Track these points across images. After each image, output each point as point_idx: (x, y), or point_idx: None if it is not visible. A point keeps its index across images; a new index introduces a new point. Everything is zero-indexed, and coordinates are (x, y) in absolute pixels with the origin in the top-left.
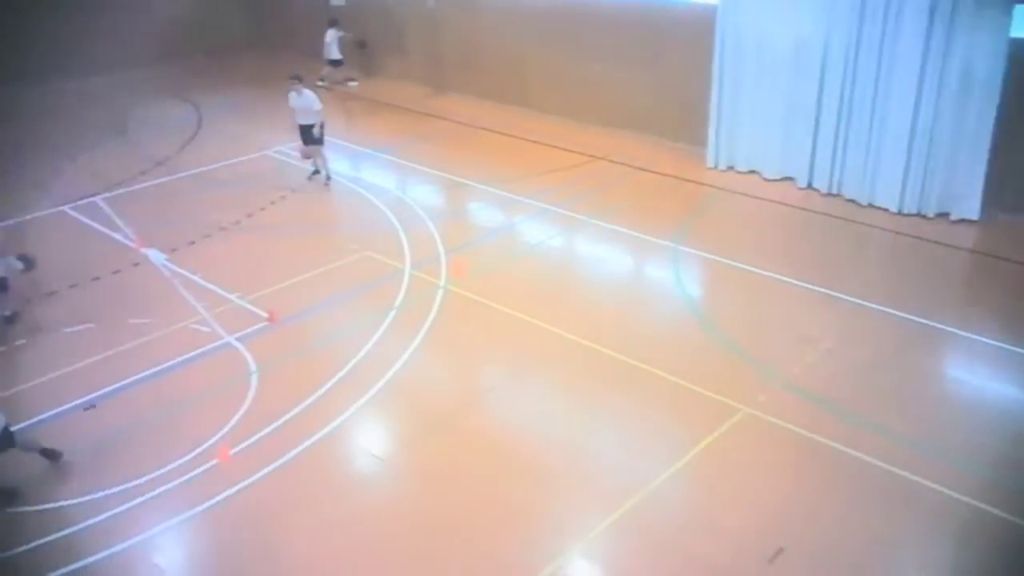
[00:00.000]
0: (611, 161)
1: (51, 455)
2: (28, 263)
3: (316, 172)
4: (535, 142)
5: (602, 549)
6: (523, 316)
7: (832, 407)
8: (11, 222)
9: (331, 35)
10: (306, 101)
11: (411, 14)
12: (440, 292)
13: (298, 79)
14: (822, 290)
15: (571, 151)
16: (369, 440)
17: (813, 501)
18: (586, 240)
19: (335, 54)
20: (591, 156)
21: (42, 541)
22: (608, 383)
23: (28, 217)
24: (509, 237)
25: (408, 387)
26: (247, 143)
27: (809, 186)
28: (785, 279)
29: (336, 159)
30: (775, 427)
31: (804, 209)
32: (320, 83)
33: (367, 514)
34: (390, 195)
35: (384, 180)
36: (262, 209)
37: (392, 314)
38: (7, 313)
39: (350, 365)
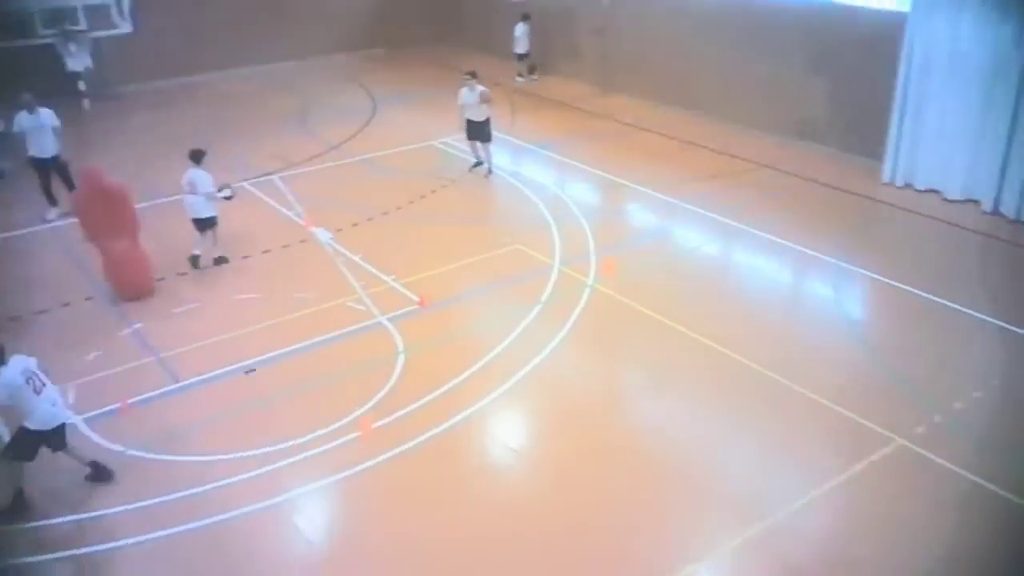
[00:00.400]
0: (777, 169)
1: (99, 472)
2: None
3: (478, 164)
4: (699, 146)
5: (731, 567)
6: (670, 322)
7: (993, 448)
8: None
9: (521, 29)
10: (479, 96)
11: (586, 12)
12: (587, 290)
13: (472, 75)
14: (998, 323)
15: (736, 157)
16: (504, 430)
17: (960, 544)
18: (743, 250)
19: (523, 47)
20: (756, 163)
21: (196, 490)
22: (753, 399)
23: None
24: (663, 241)
25: (547, 381)
26: (416, 133)
27: (995, 211)
28: (958, 308)
29: (498, 153)
30: (929, 462)
31: (988, 235)
32: (519, 78)
33: (493, 502)
34: (547, 191)
35: (543, 176)
36: (423, 197)
37: (537, 308)
38: (217, 255)
39: (492, 354)
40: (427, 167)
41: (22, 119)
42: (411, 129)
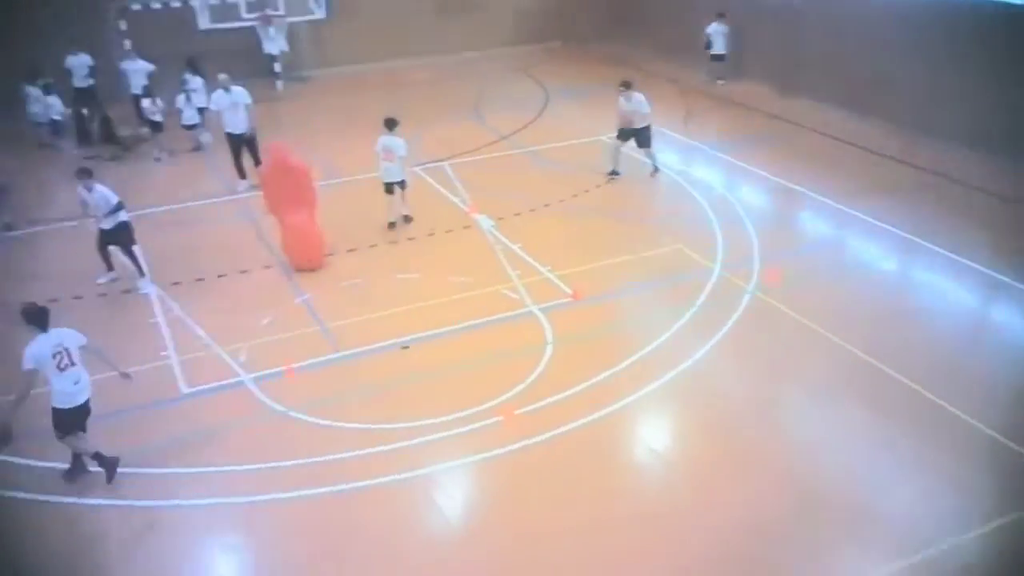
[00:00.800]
0: (966, 185)
1: (105, 464)
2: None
3: (614, 173)
4: (882, 155)
5: None
6: (833, 337)
7: None
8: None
9: (715, 28)
10: (635, 105)
11: (775, 12)
12: (747, 297)
13: (627, 85)
14: None
15: (921, 168)
16: (647, 430)
17: None
18: (923, 268)
19: (719, 48)
20: (944, 176)
21: (345, 455)
22: (918, 426)
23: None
24: (835, 252)
25: (696, 386)
26: (585, 128)
27: None
28: None
29: (667, 151)
30: None
31: None
32: (720, 81)
33: (628, 501)
34: (714, 193)
35: (711, 177)
36: (586, 191)
37: (693, 311)
38: (405, 213)
39: (642, 353)
40: (593, 162)
41: (219, 97)
42: (581, 124)
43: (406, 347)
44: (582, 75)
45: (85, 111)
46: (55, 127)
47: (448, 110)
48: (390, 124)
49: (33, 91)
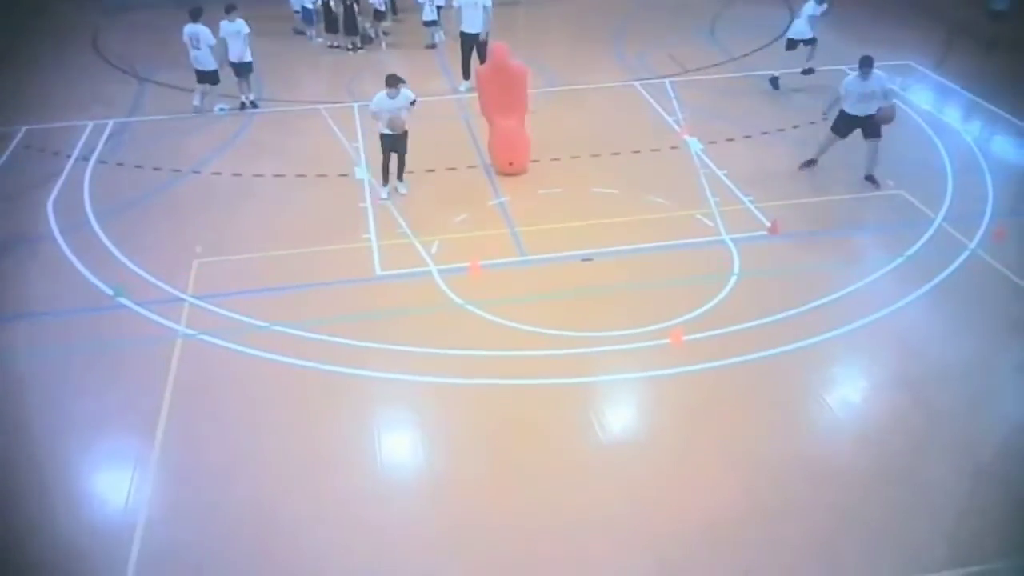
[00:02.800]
0: None
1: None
2: None
3: (811, 162)
4: None
5: None
6: None
7: None
8: (585, 87)
9: None
10: (874, 84)
11: None
12: (965, 254)
13: (868, 63)
14: None
15: None
16: (819, 378)
17: None
18: None
19: None
20: None
21: (511, 352)
22: None
23: (604, 85)
24: None
25: (886, 339)
26: (827, 55)
27: None
28: None
29: (916, 90)
30: None
31: None
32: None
33: (786, 447)
34: (958, 140)
35: (961, 123)
36: (812, 123)
37: (900, 260)
38: None
39: (833, 296)
40: (824, 92)
41: None
42: (822, 51)
43: (589, 260)
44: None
45: (348, 1)
46: (307, 15)
47: (681, 26)
48: None
49: None
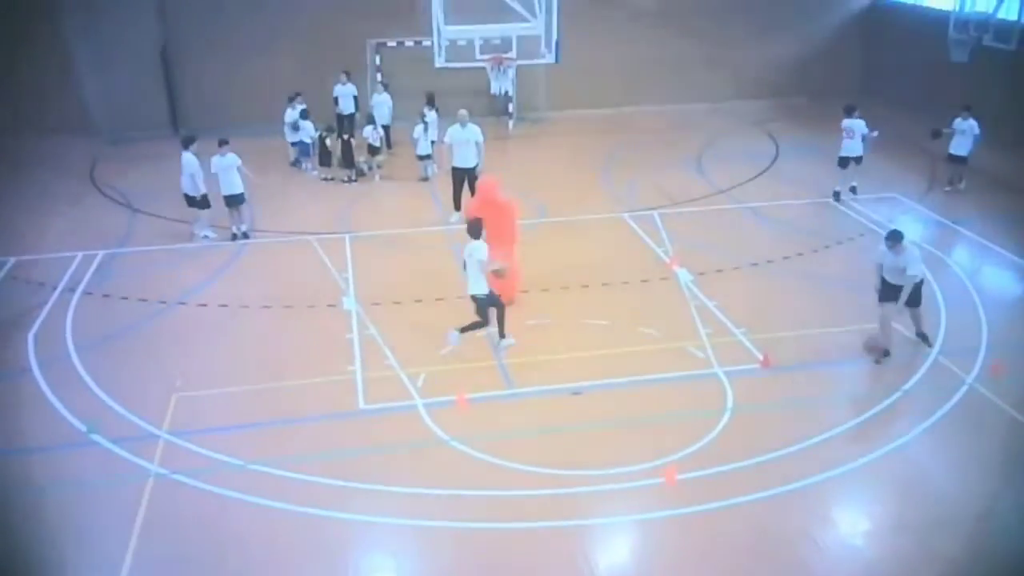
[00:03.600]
0: None
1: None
2: None
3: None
4: None
5: None
6: None
7: None
8: (574, 218)
9: (960, 124)
10: (905, 260)
11: None
12: (964, 388)
13: (895, 238)
14: None
15: None
16: (819, 519)
17: None
18: None
19: (961, 149)
20: None
21: (497, 492)
22: None
23: (595, 216)
24: None
25: (884, 479)
26: (814, 187)
27: None
28: None
29: (904, 222)
30: None
31: None
32: (958, 186)
33: None
34: (948, 272)
35: (948, 254)
36: (800, 255)
37: (896, 395)
38: None
39: (831, 434)
40: (816, 224)
41: (455, 131)
42: (810, 183)
43: (578, 393)
44: (823, 132)
45: (346, 136)
46: (303, 148)
47: (669, 159)
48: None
49: (291, 115)
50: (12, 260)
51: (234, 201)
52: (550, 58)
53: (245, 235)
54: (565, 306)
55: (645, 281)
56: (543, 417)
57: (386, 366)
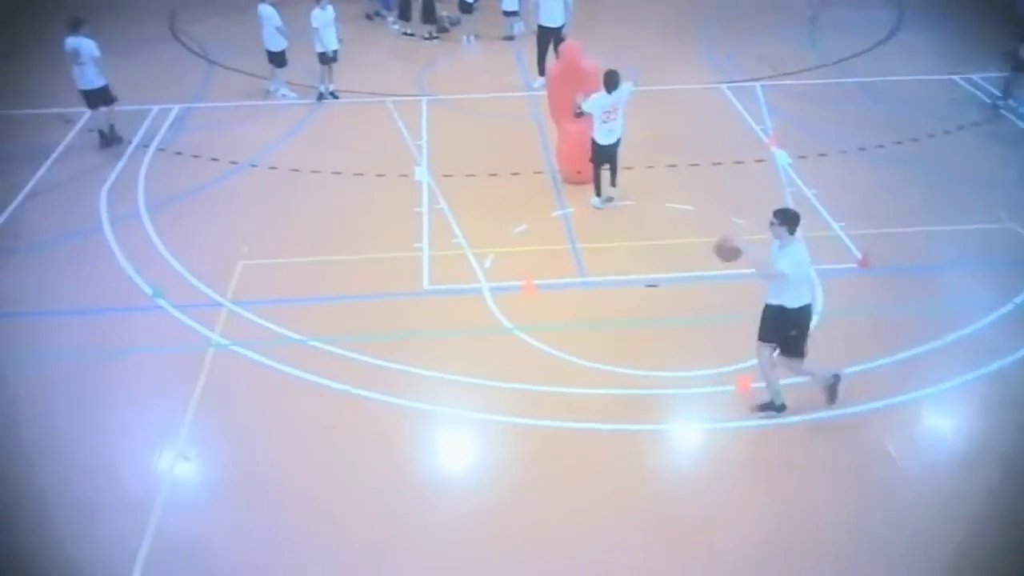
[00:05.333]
0: None
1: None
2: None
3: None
4: None
5: None
6: None
7: None
8: (666, 87)
9: None
10: None
11: None
12: None
13: None
14: None
15: None
16: (905, 444)
17: None
18: None
19: None
20: None
21: (557, 388)
22: None
23: (689, 86)
24: None
25: (987, 400)
26: (938, 62)
27: None
28: None
29: None
30: None
31: None
32: None
33: (833, 510)
34: None
35: None
36: (915, 140)
37: (1015, 304)
38: None
39: (927, 346)
40: (934, 106)
41: None
42: (932, 58)
43: (654, 285)
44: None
45: None
46: (385, 1)
47: (777, 24)
48: None
49: None
50: (88, 112)
51: (329, 58)
52: None
53: (333, 95)
54: (649, 187)
55: (739, 163)
56: (614, 309)
57: (454, 244)
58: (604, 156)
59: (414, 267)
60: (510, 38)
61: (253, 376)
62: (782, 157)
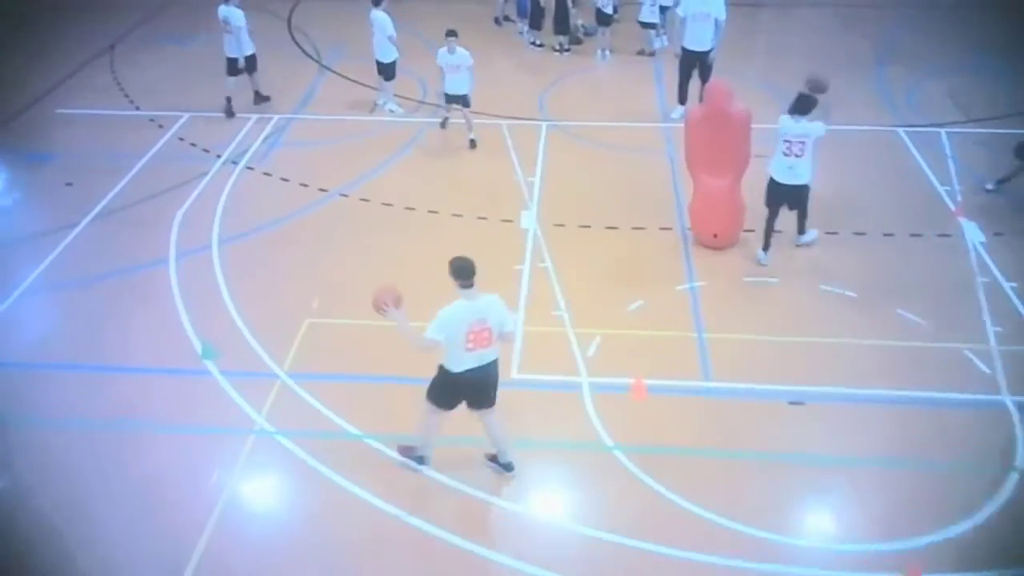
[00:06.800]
0: None
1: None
2: None
3: None
4: None
5: None
6: None
7: None
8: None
9: None
10: None
11: None
12: None
13: None
14: None
15: None
16: None
17: None
18: None
19: None
20: None
21: (663, 549)
22: None
23: (857, 128)
24: None
25: None
26: None
27: None
28: None
29: None
30: None
31: None
32: None
33: None
34: None
35: None
36: None
37: None
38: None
39: None
40: None
41: (689, 2)
42: None
43: (799, 403)
44: None
45: None
46: (521, 5)
47: (969, 54)
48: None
49: None
50: (186, 116)
51: (456, 100)
52: None
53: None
54: (800, 260)
55: (916, 235)
56: (746, 434)
57: (555, 319)
58: (778, 197)
59: (505, 345)
60: (649, 53)
61: (294, 478)
62: (973, 232)
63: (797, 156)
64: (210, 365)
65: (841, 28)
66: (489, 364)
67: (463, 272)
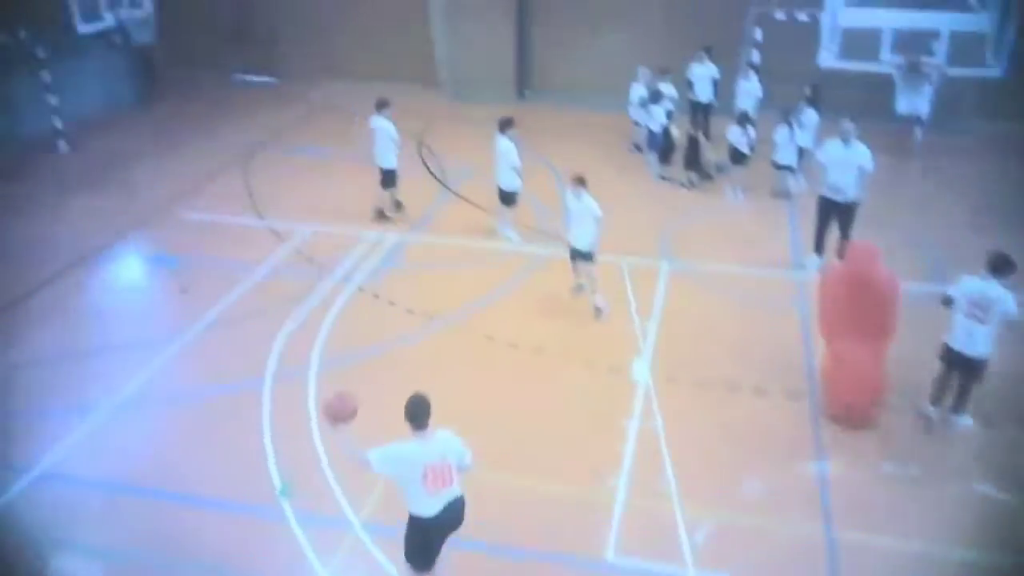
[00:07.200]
0: None
1: None
2: None
3: None
4: None
5: None
6: None
7: None
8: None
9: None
10: None
11: None
12: None
13: None
14: None
15: None
16: None
17: None
18: None
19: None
20: None
21: None
22: None
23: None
24: None
25: None
26: None
27: None
28: None
29: None
30: None
31: None
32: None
33: None
34: None
35: None
36: None
37: None
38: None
39: None
40: None
41: (833, 148)
42: None
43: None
44: None
45: (695, 130)
46: (652, 138)
47: None
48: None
49: (636, 90)
50: (309, 232)
51: (579, 256)
52: (996, 69)
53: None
54: (949, 446)
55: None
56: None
57: (660, 492)
58: (954, 362)
59: (601, 518)
60: (785, 196)
61: None
62: None
63: (979, 321)
64: (286, 506)
65: (1008, 178)
66: (456, 501)
67: (418, 413)
